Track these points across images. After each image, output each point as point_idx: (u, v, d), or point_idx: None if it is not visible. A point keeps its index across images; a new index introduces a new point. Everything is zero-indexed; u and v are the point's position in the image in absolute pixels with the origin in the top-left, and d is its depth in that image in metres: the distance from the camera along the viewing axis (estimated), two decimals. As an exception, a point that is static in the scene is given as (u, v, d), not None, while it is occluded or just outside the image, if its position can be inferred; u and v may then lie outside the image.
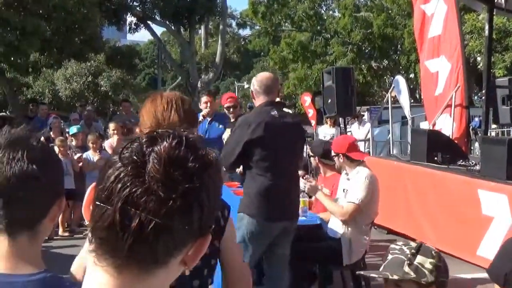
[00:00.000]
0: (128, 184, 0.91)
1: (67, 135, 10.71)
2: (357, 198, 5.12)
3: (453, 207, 7.31)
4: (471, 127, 11.17)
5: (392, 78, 23.81)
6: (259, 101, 4.64)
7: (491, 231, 6.53)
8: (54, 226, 9.11)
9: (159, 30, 52.35)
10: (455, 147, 8.77)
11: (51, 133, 11.08)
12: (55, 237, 9.03)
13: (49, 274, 1.33)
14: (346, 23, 30.34)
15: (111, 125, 10.31)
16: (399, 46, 31.13)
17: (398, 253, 2.34)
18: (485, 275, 2.94)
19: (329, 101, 10.43)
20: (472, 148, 11.97)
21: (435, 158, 8.10)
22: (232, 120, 7.57)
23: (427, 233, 7.78)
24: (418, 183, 8.15)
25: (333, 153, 5.69)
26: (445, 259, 2.44)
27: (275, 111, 4.53)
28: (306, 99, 18.93)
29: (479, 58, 22.46)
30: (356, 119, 15.09)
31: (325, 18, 33.87)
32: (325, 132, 14.10)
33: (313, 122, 17.98)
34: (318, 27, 32.83)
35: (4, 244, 1.33)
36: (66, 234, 9.45)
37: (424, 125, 11.45)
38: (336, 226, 5.32)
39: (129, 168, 0.92)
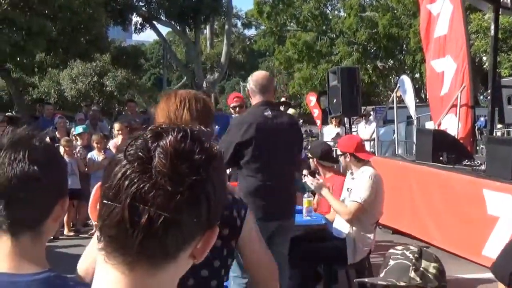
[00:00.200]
0: (135, 180, 0.91)
1: (72, 136, 10.72)
2: (360, 198, 5.12)
3: (458, 207, 7.30)
4: (476, 127, 11.12)
5: (397, 78, 23.75)
6: (255, 100, 4.63)
7: (496, 231, 6.51)
8: (59, 225, 9.16)
9: (164, 30, 52.37)
10: (461, 147, 8.75)
11: (57, 133, 11.11)
12: (60, 237, 9.06)
13: (53, 274, 1.34)
14: (352, 23, 30.31)
15: (116, 125, 10.33)
16: (404, 46, 31.08)
17: (401, 258, 2.28)
18: (490, 275, 2.93)
19: (335, 101, 10.42)
20: (477, 148, 11.94)
21: (441, 158, 8.09)
22: None
23: (432, 233, 7.77)
24: (423, 183, 8.13)
25: (339, 152, 5.69)
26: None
27: (269, 111, 4.51)
28: (312, 99, 18.94)
29: (484, 58, 22.38)
30: (363, 118, 15.08)
31: (331, 18, 33.84)
32: (330, 131, 14.11)
33: (319, 122, 17.98)
34: (324, 27, 32.80)
35: (7, 244, 1.33)
36: (72, 233, 9.48)
37: (430, 125, 11.41)
38: (341, 225, 5.32)
39: (135, 164, 0.92)
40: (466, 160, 8.12)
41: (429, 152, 8.24)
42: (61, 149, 9.39)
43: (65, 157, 9.29)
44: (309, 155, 6.47)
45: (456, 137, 9.20)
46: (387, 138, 14.78)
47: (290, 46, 32.48)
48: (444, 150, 8.15)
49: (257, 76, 4.66)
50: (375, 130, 12.88)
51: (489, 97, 9.81)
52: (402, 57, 31.43)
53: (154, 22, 29.87)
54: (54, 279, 1.33)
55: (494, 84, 9.41)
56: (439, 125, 9.91)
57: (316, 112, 18.33)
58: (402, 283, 2.22)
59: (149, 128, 0.98)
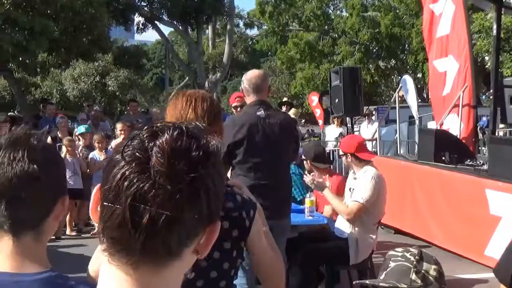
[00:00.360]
0: (135, 181, 0.91)
1: (75, 136, 10.71)
2: (362, 198, 5.11)
3: (460, 207, 7.29)
4: (478, 127, 11.11)
5: (399, 77, 23.76)
6: (249, 99, 4.60)
7: (499, 231, 6.50)
8: (61, 225, 9.18)
9: (166, 30, 52.48)
10: (463, 146, 8.74)
11: (58, 132, 11.10)
12: (62, 237, 9.07)
13: (55, 273, 1.34)
14: (354, 22, 30.34)
15: (118, 125, 10.33)
16: (406, 45, 31.10)
17: (401, 260, 2.25)
18: (493, 275, 2.93)
19: (337, 100, 10.41)
20: (479, 147, 11.92)
21: (443, 158, 8.08)
22: None
23: (435, 233, 7.77)
24: (425, 182, 8.13)
25: (341, 152, 5.69)
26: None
27: (262, 111, 4.48)
28: (314, 98, 18.96)
29: (487, 58, 22.35)
30: (366, 117, 15.06)
31: (333, 17, 33.88)
32: (333, 131, 14.10)
33: (320, 122, 17.99)
34: (326, 27, 32.84)
35: (9, 244, 1.34)
36: (74, 233, 9.48)
37: (432, 125, 11.41)
38: (343, 225, 5.32)
39: (133, 165, 0.92)
40: (468, 160, 8.11)
41: (431, 152, 8.23)
42: (63, 149, 9.40)
43: (68, 157, 9.31)
44: (303, 157, 6.44)
45: (458, 137, 9.19)
46: (389, 138, 14.75)
47: (292, 46, 32.54)
48: (446, 150, 8.14)
49: (251, 75, 4.61)
50: (377, 130, 12.87)
51: (491, 97, 9.79)
52: (404, 57, 31.45)
53: (156, 22, 29.89)
54: (56, 279, 1.33)
55: (496, 84, 9.39)
56: (441, 125, 9.89)
57: (318, 112, 18.35)
58: (403, 285, 2.21)
59: (145, 127, 0.98)
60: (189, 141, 0.95)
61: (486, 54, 21.69)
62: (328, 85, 11.31)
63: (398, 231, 8.65)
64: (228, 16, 30.21)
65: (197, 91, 2.56)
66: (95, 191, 1.00)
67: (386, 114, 15.68)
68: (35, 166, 1.33)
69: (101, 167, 9.21)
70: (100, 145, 9.76)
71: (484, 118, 14.44)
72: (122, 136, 9.63)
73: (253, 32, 45.81)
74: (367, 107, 16.50)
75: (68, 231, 9.45)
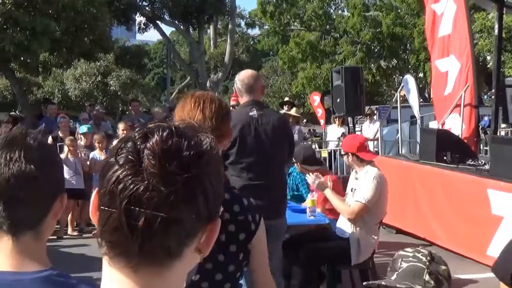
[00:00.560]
0: (128, 184, 0.91)
1: (78, 135, 10.71)
2: (364, 198, 5.11)
3: (462, 207, 7.29)
4: (480, 127, 11.10)
5: (401, 77, 23.73)
6: (242, 100, 4.58)
7: (500, 231, 6.50)
8: (63, 225, 9.19)
9: (168, 30, 52.35)
10: (464, 146, 8.73)
11: (59, 132, 11.10)
12: (64, 237, 9.08)
13: (55, 272, 1.34)
14: (355, 22, 30.34)
15: (120, 125, 10.34)
16: (408, 45, 31.08)
17: (413, 261, 2.23)
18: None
19: (338, 100, 10.40)
20: (481, 147, 11.91)
21: (444, 158, 8.08)
22: None
23: (436, 233, 7.76)
24: (427, 182, 8.12)
25: (342, 152, 5.69)
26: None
27: (255, 111, 4.44)
28: (315, 98, 18.95)
29: (488, 57, 22.34)
30: (367, 117, 15.05)
31: (334, 17, 33.88)
32: (334, 131, 14.11)
33: (322, 122, 17.99)
34: (327, 27, 32.84)
35: (9, 243, 1.34)
36: (75, 233, 9.49)
37: (433, 125, 11.40)
38: (345, 225, 5.31)
39: (127, 167, 0.92)
40: (470, 160, 8.10)
41: (433, 151, 8.22)
42: (65, 149, 9.40)
43: (69, 156, 9.31)
44: (293, 159, 6.41)
45: (460, 136, 9.18)
46: (390, 137, 14.75)
47: (294, 46, 32.53)
48: (448, 149, 8.14)
49: (243, 75, 4.57)
50: (378, 129, 12.87)
51: (493, 97, 9.79)
52: (406, 57, 31.43)
53: (158, 21, 29.89)
54: (56, 277, 1.33)
55: (498, 83, 9.39)
56: (443, 124, 9.89)
57: (319, 112, 18.34)
58: (418, 287, 2.18)
59: (137, 129, 0.97)
60: (179, 141, 0.93)
61: (488, 53, 21.69)
62: (330, 85, 11.29)
63: (399, 231, 8.65)
64: (229, 16, 30.20)
65: (205, 93, 2.55)
66: (94, 193, 1.00)
67: (388, 114, 15.70)
68: (32, 166, 1.33)
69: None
70: (100, 145, 9.76)
71: (486, 118, 14.45)
72: (124, 136, 9.64)
73: (255, 31, 45.92)
74: (368, 106, 16.49)
75: (69, 231, 9.45)
